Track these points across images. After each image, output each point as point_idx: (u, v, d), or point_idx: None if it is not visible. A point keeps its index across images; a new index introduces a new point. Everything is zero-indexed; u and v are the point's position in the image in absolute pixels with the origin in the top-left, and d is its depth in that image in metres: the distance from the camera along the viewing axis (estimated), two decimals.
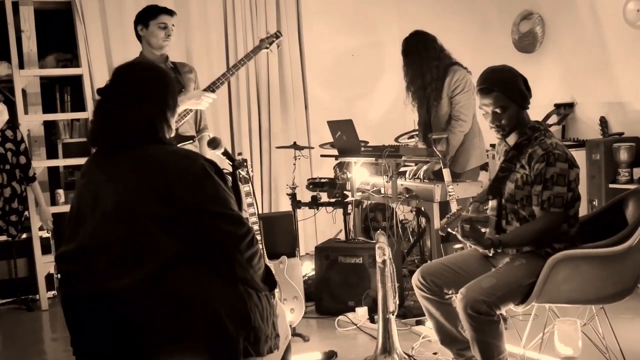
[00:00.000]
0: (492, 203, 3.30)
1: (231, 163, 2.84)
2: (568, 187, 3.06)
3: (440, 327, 3.41)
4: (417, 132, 6.09)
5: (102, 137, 2.35)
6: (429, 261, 5.67)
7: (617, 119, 5.37)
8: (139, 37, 4.31)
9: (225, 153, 2.87)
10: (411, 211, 5.97)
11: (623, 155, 4.94)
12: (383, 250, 3.79)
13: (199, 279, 2.22)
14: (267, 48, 4.62)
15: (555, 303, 3.15)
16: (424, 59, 4.96)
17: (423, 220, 6.17)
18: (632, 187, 4.96)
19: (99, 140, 2.36)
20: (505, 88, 3.18)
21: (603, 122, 5.33)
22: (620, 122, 5.34)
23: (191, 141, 4.41)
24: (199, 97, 4.29)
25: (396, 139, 6.40)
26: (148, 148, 2.31)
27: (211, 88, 4.36)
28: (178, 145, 4.24)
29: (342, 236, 6.76)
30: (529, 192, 3.14)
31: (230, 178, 2.75)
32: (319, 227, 7.01)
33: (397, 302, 3.80)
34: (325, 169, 6.73)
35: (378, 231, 3.92)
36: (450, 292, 3.33)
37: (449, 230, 3.09)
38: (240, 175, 2.93)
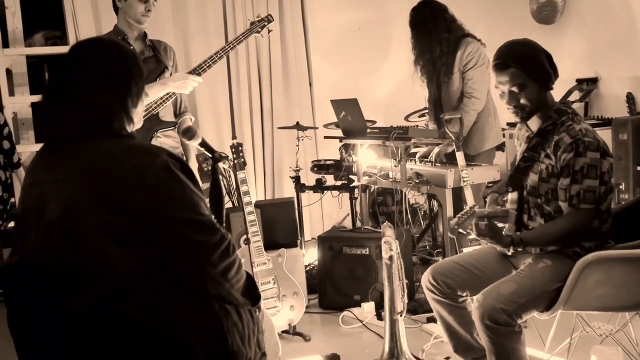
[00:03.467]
0: (511, 196, 2.92)
1: (210, 156, 2.46)
2: (600, 180, 2.68)
3: (453, 333, 3.05)
4: (427, 111, 5.73)
5: (46, 129, 1.98)
6: (442, 249, 5.41)
7: None
8: (115, 9, 3.93)
9: (203, 144, 2.50)
10: (422, 194, 5.60)
11: None
12: (390, 245, 3.44)
13: (163, 299, 1.87)
14: (258, 32, 4.24)
15: (584, 310, 2.79)
16: (433, 31, 4.56)
17: (435, 203, 5.82)
18: None
19: (44, 133, 1.99)
20: (524, 64, 2.79)
21: (630, 98, 4.92)
22: None
23: (173, 127, 4.03)
24: (184, 80, 3.91)
25: (406, 118, 6.04)
26: (101, 143, 1.94)
27: (197, 71, 3.98)
28: (159, 132, 3.92)
29: (348, 221, 6.44)
30: (554, 186, 2.77)
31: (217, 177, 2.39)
32: (325, 211, 6.67)
33: (406, 302, 3.45)
34: (331, 150, 6.35)
35: (384, 223, 3.56)
36: (464, 294, 2.98)
37: (461, 231, 2.72)
38: (229, 165, 2.55)
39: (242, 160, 3.94)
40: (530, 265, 2.76)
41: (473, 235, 2.73)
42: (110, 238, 1.82)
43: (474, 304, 2.68)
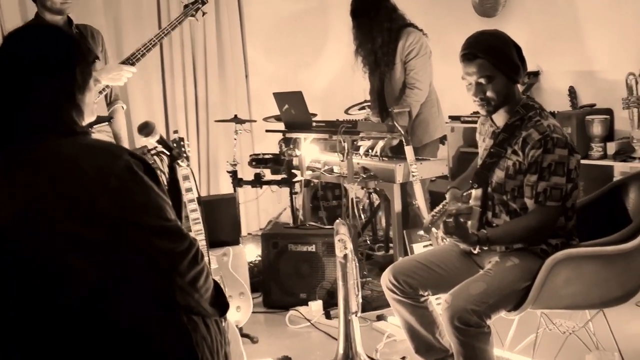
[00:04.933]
0: (475, 192, 2.83)
1: (169, 153, 2.27)
2: (567, 177, 2.62)
3: (414, 334, 2.96)
4: (368, 104, 5.64)
5: None
6: (383, 243, 5.32)
7: (587, 89, 4.98)
8: None
9: (161, 141, 2.30)
10: (368, 189, 5.51)
11: (596, 129, 4.56)
12: (344, 243, 3.32)
13: (130, 312, 1.69)
14: (192, 16, 4.02)
15: (553, 309, 2.73)
16: (375, 20, 4.47)
17: (375, 197, 5.75)
18: (605, 163, 4.63)
19: None
20: (493, 55, 2.70)
21: (572, 92, 4.94)
22: (590, 92, 4.96)
23: (107, 122, 3.79)
24: (118, 71, 3.67)
25: (346, 111, 5.93)
26: (56, 141, 1.73)
27: (130, 61, 3.73)
28: (92, 128, 3.65)
29: (286, 215, 6.29)
30: (521, 182, 2.69)
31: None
32: (261, 205, 6.51)
33: (360, 301, 3.34)
34: (268, 144, 6.19)
35: (337, 220, 3.43)
36: (426, 293, 2.88)
37: (434, 230, 2.62)
38: (188, 163, 2.37)
39: (185, 155, 3.73)
40: (498, 264, 2.67)
41: (441, 233, 2.62)
42: (73, 249, 1.63)
43: (442, 305, 2.57)
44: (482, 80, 2.72)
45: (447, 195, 3.01)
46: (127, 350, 1.70)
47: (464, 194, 2.96)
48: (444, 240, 2.87)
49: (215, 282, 1.95)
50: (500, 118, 2.81)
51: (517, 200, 2.72)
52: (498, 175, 2.75)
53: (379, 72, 4.60)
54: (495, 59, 2.69)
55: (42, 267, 1.63)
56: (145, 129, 2.27)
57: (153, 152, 2.33)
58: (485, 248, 2.68)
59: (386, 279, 2.92)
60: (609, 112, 4.74)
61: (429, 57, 4.49)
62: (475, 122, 5.41)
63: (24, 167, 1.69)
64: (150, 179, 1.76)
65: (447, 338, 2.96)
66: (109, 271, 1.65)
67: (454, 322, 2.50)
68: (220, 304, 1.95)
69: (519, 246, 2.72)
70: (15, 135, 1.73)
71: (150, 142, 2.29)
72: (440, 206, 2.61)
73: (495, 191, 2.77)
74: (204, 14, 4.11)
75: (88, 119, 1.92)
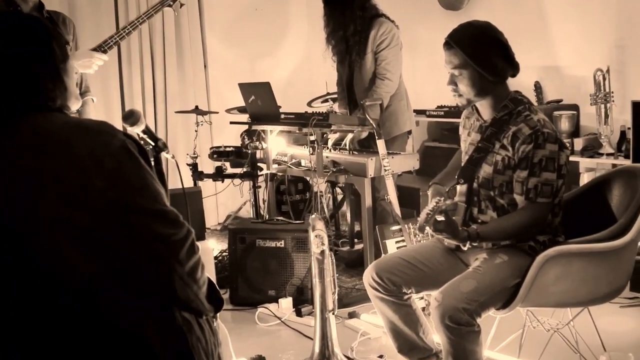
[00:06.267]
0: (460, 188, 2.77)
1: (153, 144, 2.14)
2: (558, 173, 2.57)
3: (397, 333, 2.88)
4: (331, 96, 5.55)
5: None
6: (348, 239, 5.23)
7: (552, 85, 5.00)
8: None
9: (147, 131, 2.16)
10: (331, 182, 5.43)
11: (564, 125, 4.57)
12: (322, 239, 3.22)
13: (127, 310, 1.58)
14: (169, 6, 3.87)
15: (542, 306, 2.70)
16: (348, 8, 4.39)
17: (338, 191, 5.67)
18: (571, 159, 4.62)
19: None
20: (468, 48, 2.62)
21: (538, 87, 4.95)
22: (556, 87, 4.97)
23: (76, 112, 3.62)
24: (89, 58, 3.50)
25: (309, 104, 5.82)
26: (40, 120, 1.61)
27: (102, 48, 3.57)
28: None
29: (245, 209, 6.16)
30: (510, 178, 2.63)
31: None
32: (220, 199, 6.36)
33: (336, 298, 3.26)
34: (228, 136, 6.07)
35: (313, 215, 3.34)
36: (409, 291, 2.81)
37: (428, 229, 2.54)
38: (172, 155, 2.24)
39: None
40: (487, 261, 2.61)
41: (431, 231, 2.55)
42: (68, 236, 1.50)
43: (432, 303, 2.50)
44: (455, 71, 2.67)
45: (430, 192, 2.93)
46: (124, 352, 1.59)
47: (448, 190, 2.89)
48: (431, 237, 2.81)
49: (208, 277, 1.84)
50: (486, 112, 2.75)
51: (504, 196, 2.67)
52: (485, 170, 2.69)
53: (348, 61, 4.52)
54: (470, 52, 2.61)
55: (34, 259, 1.51)
56: (131, 117, 2.12)
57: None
58: (475, 244, 2.62)
59: (369, 276, 2.84)
60: (575, 107, 4.76)
61: (400, 49, 4.43)
62: (441, 116, 5.48)
63: (7, 148, 1.56)
64: (145, 162, 1.65)
65: (431, 337, 2.92)
66: (105, 260, 1.54)
67: (445, 320, 2.43)
68: (216, 299, 1.85)
69: (507, 243, 2.67)
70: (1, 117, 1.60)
71: (136, 131, 2.16)
72: (434, 204, 2.53)
73: (481, 187, 2.71)
74: (181, 5, 3.98)
75: (74, 104, 1.80)
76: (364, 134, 4.41)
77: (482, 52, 2.64)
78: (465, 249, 2.67)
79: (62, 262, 1.52)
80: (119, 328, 1.59)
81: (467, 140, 2.86)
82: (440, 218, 2.52)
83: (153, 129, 5.98)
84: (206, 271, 1.78)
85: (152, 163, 2.02)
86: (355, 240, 5.17)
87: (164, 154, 2.15)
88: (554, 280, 2.53)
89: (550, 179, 2.56)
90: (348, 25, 4.38)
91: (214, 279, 3.90)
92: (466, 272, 2.61)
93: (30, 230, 1.51)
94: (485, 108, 2.75)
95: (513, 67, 2.69)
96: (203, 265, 1.76)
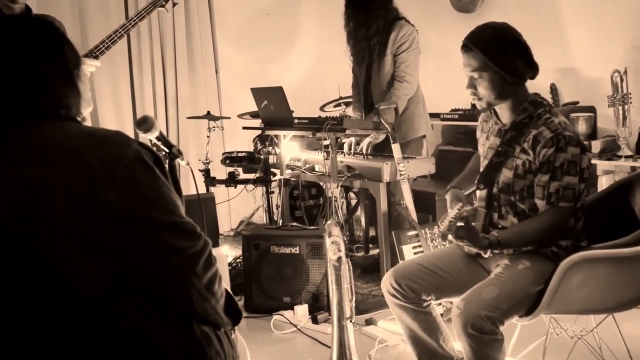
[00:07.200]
0: (480, 193, 2.72)
1: (168, 151, 2.09)
2: (580, 177, 2.51)
3: (417, 341, 2.82)
4: (344, 100, 5.51)
5: None
6: (363, 244, 5.17)
7: (568, 87, 4.93)
8: None
9: (161, 137, 2.12)
10: (338, 186, 5.37)
11: (581, 127, 4.51)
12: (338, 246, 3.16)
13: (141, 324, 1.53)
14: (162, 6, 3.79)
15: (566, 313, 2.64)
16: (372, 7, 4.33)
17: (351, 196, 5.62)
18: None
19: None
20: (488, 50, 2.57)
21: (553, 89, 4.89)
22: (572, 89, 4.91)
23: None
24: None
25: (321, 108, 5.77)
26: (50, 128, 1.56)
27: (94, 54, 3.48)
28: None
29: (260, 215, 6.12)
30: (531, 182, 2.57)
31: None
32: (233, 204, 6.32)
33: (354, 306, 3.20)
34: (239, 142, 6.03)
35: (329, 221, 3.29)
36: (429, 298, 2.75)
37: (451, 237, 2.49)
38: (187, 162, 2.20)
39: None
40: (509, 267, 2.56)
41: (451, 238, 2.49)
42: (79, 249, 1.46)
43: (453, 311, 2.45)
44: (474, 74, 2.62)
45: (448, 196, 2.88)
46: None
47: (467, 194, 2.84)
48: (449, 243, 2.75)
49: (226, 289, 1.80)
50: (505, 115, 2.70)
51: (525, 200, 2.61)
52: (506, 174, 2.64)
53: (366, 63, 4.46)
54: (490, 54, 2.56)
55: (43, 269, 1.47)
56: (145, 124, 2.07)
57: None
58: (497, 252, 2.56)
59: (387, 283, 2.78)
60: (591, 109, 4.69)
61: (419, 52, 4.38)
62: (455, 119, 5.42)
63: (17, 157, 1.52)
64: (161, 172, 1.60)
65: (451, 344, 2.86)
66: (119, 273, 1.49)
67: (467, 329, 2.38)
68: (234, 312, 1.80)
69: (529, 248, 2.61)
70: (8, 124, 1.56)
71: (150, 137, 2.11)
72: (456, 210, 2.47)
73: (502, 191, 2.66)
74: (174, 4, 3.92)
75: (85, 109, 1.75)
76: (381, 137, 4.36)
77: (501, 53, 2.59)
78: (486, 256, 2.61)
79: (75, 275, 1.47)
80: (136, 342, 1.55)
81: (486, 144, 2.81)
82: (460, 224, 2.46)
83: (165, 134, 5.98)
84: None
85: (171, 172, 1.99)
86: (370, 245, 5.11)
87: (179, 161, 2.10)
88: (578, 286, 2.47)
89: (572, 182, 2.50)
90: (371, 24, 4.33)
91: (229, 287, 3.89)
92: (488, 279, 2.56)
93: (39, 244, 1.47)
94: (504, 111, 2.69)
95: (533, 69, 2.64)
96: (221, 277, 1.71)
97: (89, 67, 3.43)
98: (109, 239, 1.49)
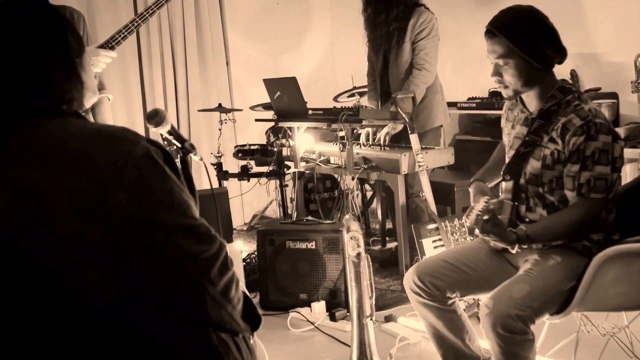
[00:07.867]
0: (506, 184, 2.59)
1: (180, 146, 1.98)
2: (612, 167, 2.38)
3: (441, 340, 2.71)
4: (358, 90, 5.39)
5: None
6: (380, 237, 5.05)
7: (590, 73, 4.78)
8: None
9: (173, 131, 2.01)
10: (353, 179, 5.26)
11: (604, 114, 4.34)
12: (357, 241, 3.06)
13: (159, 330, 1.43)
14: None
15: (599, 310, 2.51)
16: None
17: (367, 188, 5.50)
18: None
19: None
20: (513, 35, 2.44)
21: (574, 75, 4.73)
22: (593, 75, 4.76)
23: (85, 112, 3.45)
24: (95, 56, 3.33)
25: (335, 99, 5.65)
26: (52, 125, 1.45)
27: (110, 44, 3.37)
28: None
29: (273, 208, 6.02)
30: (560, 173, 2.45)
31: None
32: (246, 198, 6.22)
33: (374, 303, 3.09)
34: (252, 134, 5.93)
35: (347, 215, 3.18)
36: (454, 296, 2.64)
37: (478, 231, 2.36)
38: (200, 157, 2.08)
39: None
40: (539, 263, 2.43)
41: (477, 232, 2.37)
42: (86, 255, 1.35)
43: (482, 310, 2.33)
44: (499, 61, 2.49)
45: (471, 189, 2.76)
46: None
47: (491, 186, 2.72)
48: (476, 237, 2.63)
49: (244, 293, 1.69)
50: (532, 103, 2.57)
51: (555, 192, 2.49)
52: (533, 165, 2.51)
53: (383, 50, 4.33)
54: (515, 39, 2.44)
55: (48, 277, 1.36)
56: (155, 117, 1.96)
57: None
58: (525, 247, 2.44)
59: (410, 280, 2.67)
60: (614, 95, 4.55)
61: (438, 40, 4.25)
62: (472, 108, 5.29)
63: (18, 158, 1.41)
64: (171, 170, 1.49)
65: (477, 344, 2.74)
66: (129, 280, 1.38)
67: (496, 329, 2.26)
68: (253, 316, 1.69)
69: (559, 243, 2.48)
70: (7, 122, 1.45)
71: (161, 132, 2.00)
72: (483, 204, 2.35)
73: (529, 183, 2.53)
74: None
75: (90, 99, 1.64)
76: (399, 128, 4.23)
77: (528, 38, 2.47)
78: (514, 252, 2.48)
79: (83, 283, 1.37)
80: (150, 351, 1.45)
81: (512, 133, 2.68)
82: (486, 217, 2.34)
83: (175, 126, 5.88)
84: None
85: (183, 168, 1.88)
86: (387, 238, 5.00)
87: (191, 156, 1.99)
88: (612, 282, 2.35)
89: (604, 172, 2.37)
90: (392, 8, 4.20)
91: (243, 284, 3.79)
92: (517, 275, 2.43)
93: (44, 251, 1.36)
94: (531, 99, 2.57)
95: (561, 53, 2.52)
96: (238, 281, 1.59)
97: (104, 58, 3.33)
98: (118, 244, 1.38)
